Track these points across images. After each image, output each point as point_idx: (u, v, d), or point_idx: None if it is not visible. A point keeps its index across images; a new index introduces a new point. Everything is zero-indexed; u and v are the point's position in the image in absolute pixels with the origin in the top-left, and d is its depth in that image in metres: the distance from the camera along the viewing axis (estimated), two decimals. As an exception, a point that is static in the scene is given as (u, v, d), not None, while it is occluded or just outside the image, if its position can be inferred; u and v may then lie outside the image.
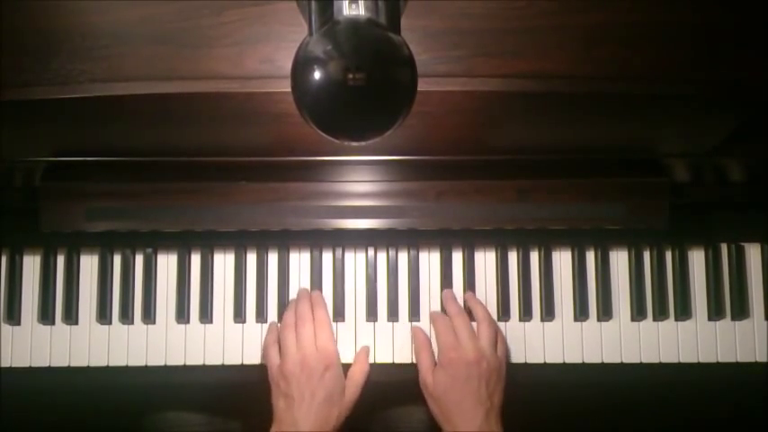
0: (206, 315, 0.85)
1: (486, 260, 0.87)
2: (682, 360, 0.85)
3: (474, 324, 0.83)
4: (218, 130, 0.70)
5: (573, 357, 0.85)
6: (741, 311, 0.86)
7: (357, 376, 0.81)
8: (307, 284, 0.86)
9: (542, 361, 0.85)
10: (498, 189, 0.79)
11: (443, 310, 0.85)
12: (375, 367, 0.84)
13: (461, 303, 0.85)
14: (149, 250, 0.86)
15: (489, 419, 0.75)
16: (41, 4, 0.65)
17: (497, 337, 0.82)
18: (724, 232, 0.87)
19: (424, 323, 0.85)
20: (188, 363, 0.85)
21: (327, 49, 0.47)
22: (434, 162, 0.76)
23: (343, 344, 0.85)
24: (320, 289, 0.86)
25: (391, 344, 0.85)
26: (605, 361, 0.85)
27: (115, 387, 0.85)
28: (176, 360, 0.85)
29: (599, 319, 0.86)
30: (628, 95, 0.65)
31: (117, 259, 0.86)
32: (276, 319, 0.85)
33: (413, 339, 0.84)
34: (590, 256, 0.87)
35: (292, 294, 0.86)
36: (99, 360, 0.85)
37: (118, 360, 0.85)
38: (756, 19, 0.65)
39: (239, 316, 0.85)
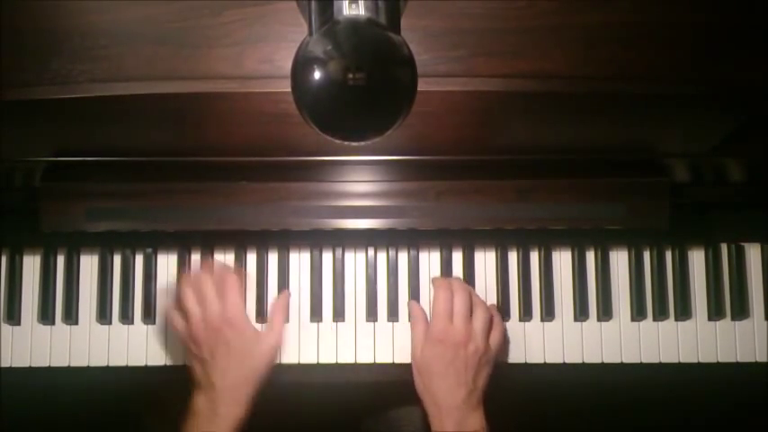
0: (206, 315, 0.85)
1: (486, 260, 0.87)
2: (682, 360, 0.85)
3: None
4: (218, 130, 0.70)
5: (573, 357, 0.85)
6: (741, 311, 0.86)
7: (277, 320, 0.81)
8: (307, 284, 0.86)
9: (542, 361, 0.85)
10: (498, 189, 0.79)
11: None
12: (375, 367, 0.84)
13: None
14: (149, 250, 0.86)
15: (470, 400, 0.76)
16: (41, 4, 0.65)
17: (492, 323, 0.81)
18: (724, 232, 0.87)
19: (424, 323, 0.85)
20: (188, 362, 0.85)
21: (327, 48, 0.47)
22: (434, 162, 0.76)
23: (344, 344, 0.85)
24: (320, 289, 0.86)
25: (391, 344, 0.85)
26: (605, 361, 0.85)
27: (115, 387, 0.85)
28: (177, 360, 0.85)
29: (599, 319, 0.86)
30: (628, 95, 0.65)
31: (117, 259, 0.86)
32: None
33: (410, 312, 0.84)
34: (590, 256, 0.87)
35: (293, 294, 0.86)
36: (99, 360, 0.85)
37: (118, 360, 0.85)
38: (756, 19, 0.65)
39: (239, 316, 0.85)
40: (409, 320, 0.84)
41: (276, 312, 0.83)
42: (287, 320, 0.84)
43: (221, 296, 0.79)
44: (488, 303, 0.84)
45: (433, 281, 0.85)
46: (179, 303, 0.80)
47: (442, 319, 0.80)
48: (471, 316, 0.80)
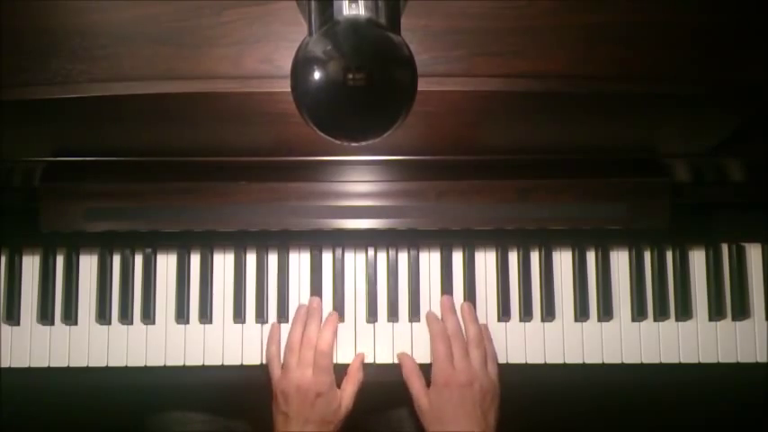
0: (205, 315, 0.85)
1: (486, 260, 0.87)
2: (682, 360, 0.85)
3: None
4: (217, 130, 0.70)
5: (573, 358, 0.85)
6: (742, 312, 0.86)
7: (350, 388, 0.82)
8: (307, 284, 0.86)
9: (543, 361, 0.85)
10: (498, 189, 0.79)
11: (442, 319, 0.85)
12: (375, 367, 0.84)
13: (458, 308, 0.85)
14: (149, 250, 0.86)
15: None
16: (41, 4, 0.65)
17: (487, 355, 0.82)
18: (725, 232, 0.87)
19: (425, 324, 0.85)
20: (187, 363, 0.85)
21: (327, 48, 0.47)
22: (434, 162, 0.76)
23: (343, 344, 0.85)
24: (320, 289, 0.86)
25: (391, 344, 0.85)
26: (606, 361, 0.85)
27: (115, 387, 0.85)
28: (176, 360, 0.85)
29: (599, 320, 0.86)
30: (628, 95, 0.65)
31: (116, 259, 0.86)
32: (276, 320, 0.85)
33: (401, 365, 0.84)
34: (590, 257, 0.87)
35: (292, 295, 0.86)
36: (98, 360, 0.84)
37: (117, 360, 0.84)
38: (756, 19, 0.65)
39: (239, 316, 0.85)
40: (403, 373, 0.83)
41: (351, 382, 0.82)
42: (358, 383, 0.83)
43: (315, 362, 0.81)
44: (473, 324, 0.83)
45: (429, 324, 0.84)
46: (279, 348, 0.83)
47: (444, 363, 0.80)
48: (468, 355, 0.81)
